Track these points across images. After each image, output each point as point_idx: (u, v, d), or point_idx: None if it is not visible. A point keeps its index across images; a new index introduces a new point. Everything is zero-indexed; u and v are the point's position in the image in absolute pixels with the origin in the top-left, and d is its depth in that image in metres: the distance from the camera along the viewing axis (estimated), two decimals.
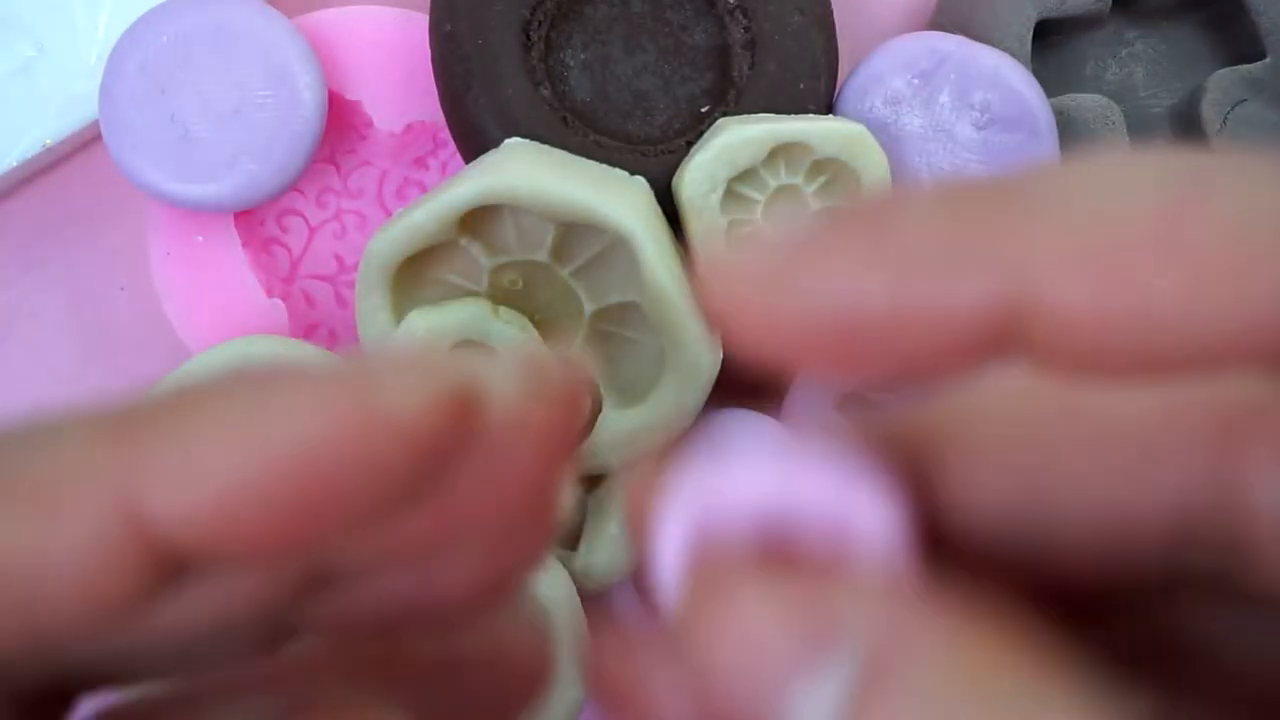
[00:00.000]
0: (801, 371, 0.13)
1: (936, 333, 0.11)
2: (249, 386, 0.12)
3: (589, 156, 0.30)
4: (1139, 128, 0.35)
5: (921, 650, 0.11)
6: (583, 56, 0.32)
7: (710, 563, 0.12)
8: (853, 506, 0.12)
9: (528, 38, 0.31)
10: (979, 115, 0.32)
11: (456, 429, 0.12)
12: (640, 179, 0.30)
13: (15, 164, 0.33)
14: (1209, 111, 0.33)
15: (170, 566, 0.12)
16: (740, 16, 0.32)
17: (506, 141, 0.30)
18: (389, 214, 0.35)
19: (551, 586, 0.29)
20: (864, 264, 0.11)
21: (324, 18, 0.33)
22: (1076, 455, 0.13)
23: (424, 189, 0.35)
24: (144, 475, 0.11)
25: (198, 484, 0.11)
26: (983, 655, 0.11)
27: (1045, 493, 0.13)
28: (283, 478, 0.11)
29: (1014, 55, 0.32)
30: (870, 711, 0.10)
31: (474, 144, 0.31)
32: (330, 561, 0.13)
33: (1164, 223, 0.11)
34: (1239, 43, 0.35)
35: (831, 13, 0.33)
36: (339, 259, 0.35)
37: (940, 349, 0.11)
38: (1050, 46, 0.35)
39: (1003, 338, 0.11)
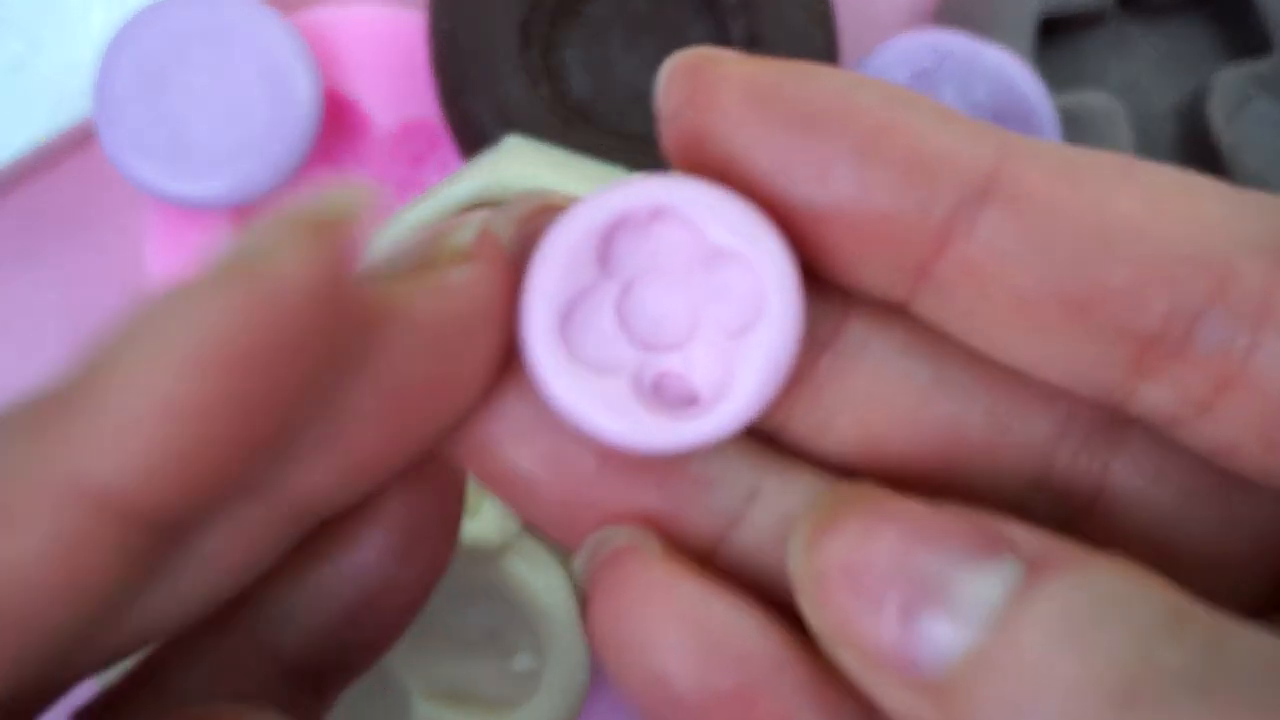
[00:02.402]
0: (719, 172, 0.13)
1: (880, 224, 0.13)
2: (143, 320, 0.11)
3: (588, 155, 0.30)
4: (1144, 126, 0.35)
5: (1076, 564, 0.12)
6: (582, 54, 0.32)
7: (857, 490, 0.13)
8: (743, 210, 0.13)
9: (527, 36, 0.31)
10: (982, 113, 0.32)
11: (336, 255, 0.12)
12: None
13: (9, 162, 0.32)
14: (1215, 109, 0.33)
15: (149, 532, 0.11)
16: (741, 14, 0.32)
17: (505, 140, 0.30)
18: (387, 212, 0.34)
19: (550, 589, 0.29)
20: (856, 155, 0.13)
21: (321, 15, 0.33)
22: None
23: (422, 188, 0.34)
24: (80, 454, 0.11)
25: (131, 438, 0.11)
26: (1125, 569, 0.12)
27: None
28: (207, 390, 0.11)
29: (1017, 53, 0.32)
30: (1034, 598, 0.12)
31: (472, 142, 0.31)
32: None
33: None
34: (1245, 39, 0.35)
35: (832, 10, 0.32)
36: None
37: (868, 239, 0.13)
38: (1054, 44, 0.35)
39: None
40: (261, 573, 0.14)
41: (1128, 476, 0.14)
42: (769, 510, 0.14)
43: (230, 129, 0.30)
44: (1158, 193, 0.12)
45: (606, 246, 0.14)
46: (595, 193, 0.13)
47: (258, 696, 0.15)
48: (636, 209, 0.13)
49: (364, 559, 0.15)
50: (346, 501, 0.13)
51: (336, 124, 0.34)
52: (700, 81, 0.13)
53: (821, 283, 0.14)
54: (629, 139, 0.31)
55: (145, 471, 0.11)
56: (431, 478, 0.15)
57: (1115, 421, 0.14)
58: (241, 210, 0.33)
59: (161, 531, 0.12)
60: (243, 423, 0.11)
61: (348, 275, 0.12)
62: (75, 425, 0.11)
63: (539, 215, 0.14)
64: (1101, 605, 0.12)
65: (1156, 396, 0.13)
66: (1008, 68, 0.31)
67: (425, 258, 0.13)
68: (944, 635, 0.12)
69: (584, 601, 0.14)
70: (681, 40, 0.33)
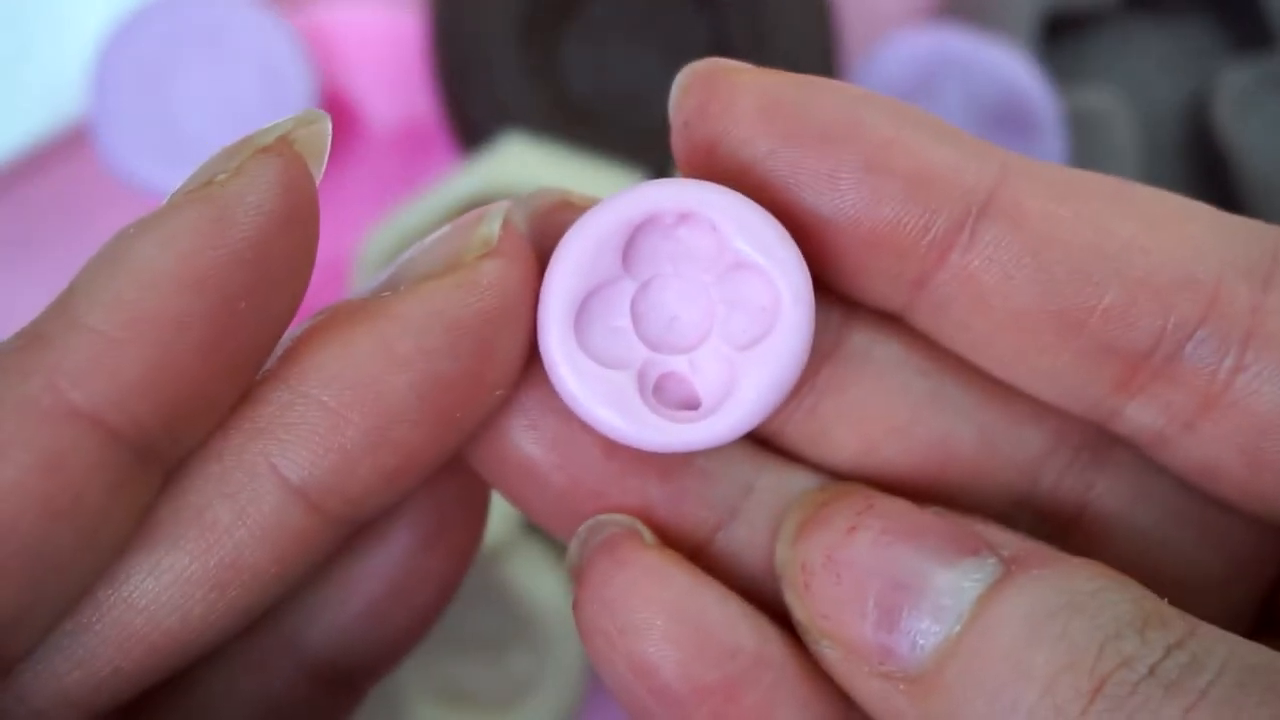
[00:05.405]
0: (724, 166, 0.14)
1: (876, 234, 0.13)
2: (112, 247, 0.12)
3: (587, 153, 0.30)
4: (1149, 123, 0.35)
5: (1052, 561, 0.12)
6: (582, 53, 0.32)
7: (848, 488, 0.14)
8: (769, 224, 0.13)
9: (527, 35, 0.31)
10: (983, 109, 0.31)
11: (291, 177, 0.13)
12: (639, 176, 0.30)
13: (4, 160, 0.32)
14: (1221, 106, 0.33)
15: (131, 448, 0.12)
16: (741, 12, 0.32)
17: (504, 138, 0.30)
18: (386, 211, 0.34)
19: (548, 592, 0.29)
20: (862, 165, 0.13)
21: (320, 15, 0.33)
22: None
23: (421, 187, 0.34)
24: (60, 373, 0.12)
25: (106, 352, 0.12)
26: (1100, 569, 0.12)
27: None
28: (174, 304, 0.12)
29: (1022, 50, 0.32)
30: (1008, 592, 0.12)
31: (471, 141, 0.31)
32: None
33: None
34: (1250, 36, 0.35)
35: (835, 9, 0.32)
36: (335, 257, 0.34)
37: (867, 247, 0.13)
38: (1059, 41, 0.35)
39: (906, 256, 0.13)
40: (303, 580, 0.14)
41: (1110, 498, 0.14)
42: (762, 506, 0.14)
43: (227, 128, 0.30)
44: (1151, 215, 0.13)
45: (631, 244, 0.14)
46: (626, 190, 0.14)
47: (283, 694, 0.15)
48: (666, 210, 0.13)
49: (391, 551, 0.15)
50: (389, 503, 0.14)
51: (335, 124, 0.34)
52: (714, 91, 0.13)
53: (825, 295, 0.14)
54: (628, 137, 0.31)
55: (122, 385, 0.12)
56: (457, 467, 0.15)
57: (1100, 443, 0.14)
58: None
59: (142, 450, 0.12)
60: (210, 335, 0.12)
61: (306, 195, 0.12)
62: (54, 347, 0.12)
63: (557, 211, 0.14)
64: (1075, 599, 0.12)
65: (1143, 414, 0.13)
66: (1010, 64, 0.31)
67: (453, 252, 0.13)
68: (921, 629, 0.12)
69: (575, 588, 0.14)
70: (681, 39, 0.33)
